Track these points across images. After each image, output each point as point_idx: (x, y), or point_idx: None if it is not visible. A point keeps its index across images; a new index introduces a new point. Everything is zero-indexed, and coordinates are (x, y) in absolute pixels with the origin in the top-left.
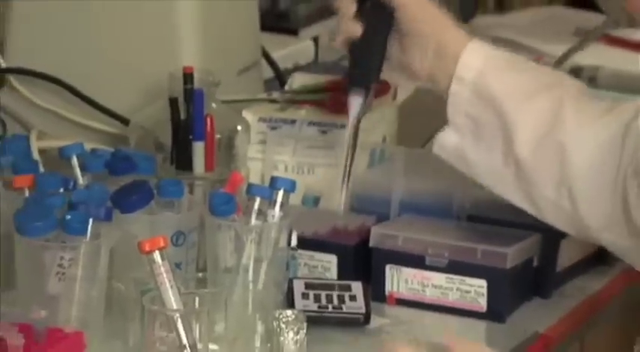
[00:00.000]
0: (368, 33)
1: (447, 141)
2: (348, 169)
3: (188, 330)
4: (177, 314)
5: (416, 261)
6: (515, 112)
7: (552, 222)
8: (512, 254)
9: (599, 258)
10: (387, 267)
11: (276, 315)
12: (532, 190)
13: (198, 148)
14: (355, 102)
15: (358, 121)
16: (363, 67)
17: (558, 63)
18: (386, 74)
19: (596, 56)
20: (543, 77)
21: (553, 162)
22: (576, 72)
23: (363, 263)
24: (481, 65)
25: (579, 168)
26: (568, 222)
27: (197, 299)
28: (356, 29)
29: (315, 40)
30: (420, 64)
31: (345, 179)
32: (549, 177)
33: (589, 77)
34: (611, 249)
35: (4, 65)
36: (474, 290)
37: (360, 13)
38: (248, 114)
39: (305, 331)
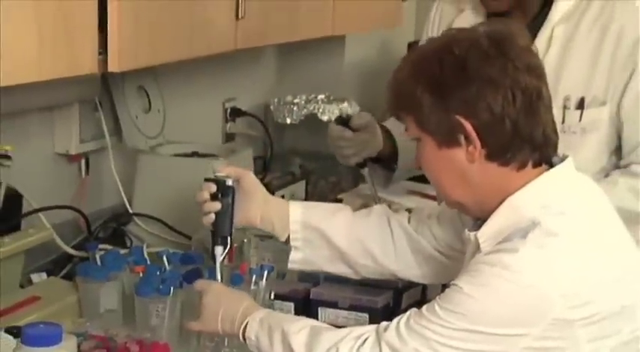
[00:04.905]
0: (223, 205)
1: (296, 258)
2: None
3: None
4: None
5: (333, 305)
6: (329, 229)
7: (368, 276)
8: (380, 300)
9: (421, 301)
10: (319, 308)
11: None
12: (351, 262)
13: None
14: (219, 251)
15: (221, 262)
16: (222, 227)
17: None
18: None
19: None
20: (331, 206)
21: (358, 244)
22: None
23: (307, 306)
24: (302, 209)
25: (373, 241)
26: (377, 273)
27: None
28: (216, 205)
29: (282, 196)
30: (254, 212)
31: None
32: (359, 252)
33: None
34: (408, 278)
35: (131, 211)
36: (362, 319)
37: (214, 195)
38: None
39: None
